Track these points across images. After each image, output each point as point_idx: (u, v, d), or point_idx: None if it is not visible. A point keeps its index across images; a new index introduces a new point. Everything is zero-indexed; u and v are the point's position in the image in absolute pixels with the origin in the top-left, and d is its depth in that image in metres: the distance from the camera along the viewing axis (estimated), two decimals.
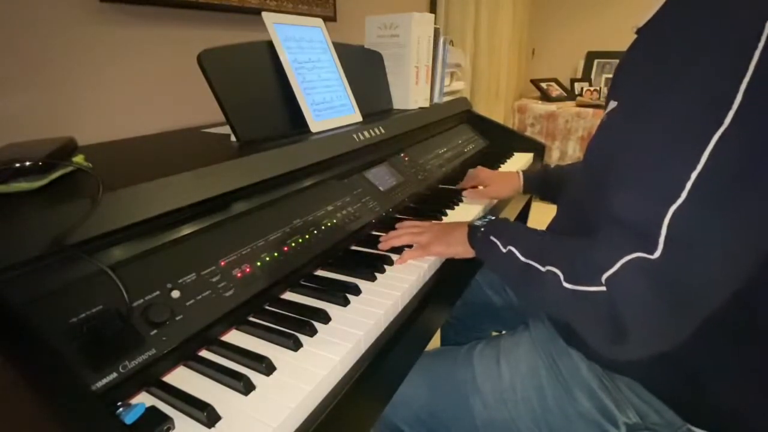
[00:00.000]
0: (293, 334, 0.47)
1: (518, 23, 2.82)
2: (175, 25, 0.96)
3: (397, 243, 0.67)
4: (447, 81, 1.36)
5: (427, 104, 1.18)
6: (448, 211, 0.85)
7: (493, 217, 0.64)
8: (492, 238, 0.57)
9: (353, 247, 0.70)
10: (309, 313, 0.51)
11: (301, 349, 0.46)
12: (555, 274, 0.45)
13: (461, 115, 1.37)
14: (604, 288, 0.40)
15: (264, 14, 0.74)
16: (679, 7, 0.43)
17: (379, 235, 0.74)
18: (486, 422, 0.60)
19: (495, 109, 2.65)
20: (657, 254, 0.37)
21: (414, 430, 0.67)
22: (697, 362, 0.47)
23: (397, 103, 1.13)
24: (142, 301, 0.43)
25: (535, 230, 0.57)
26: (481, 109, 2.26)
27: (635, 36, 0.52)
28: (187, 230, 0.51)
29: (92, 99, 0.84)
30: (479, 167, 1.01)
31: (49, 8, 0.75)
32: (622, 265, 0.38)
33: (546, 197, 0.96)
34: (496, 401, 0.60)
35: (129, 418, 0.35)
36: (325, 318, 0.51)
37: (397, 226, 0.71)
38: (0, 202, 0.43)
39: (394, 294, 0.56)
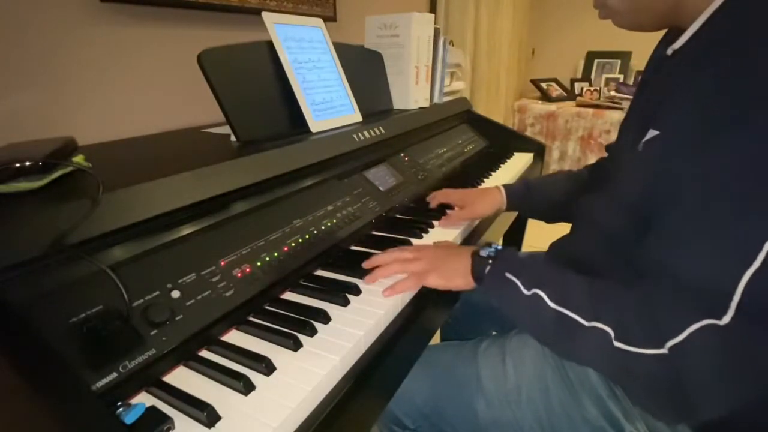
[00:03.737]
0: (293, 334, 0.47)
1: (518, 23, 2.82)
2: (175, 25, 0.96)
3: (385, 275, 0.58)
4: (447, 81, 1.36)
5: (427, 104, 1.18)
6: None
7: (500, 246, 0.56)
8: (509, 276, 0.50)
9: (353, 247, 0.70)
10: (309, 313, 0.51)
11: (301, 349, 0.46)
12: (604, 332, 0.41)
13: (461, 115, 1.37)
14: (664, 351, 0.37)
15: (264, 14, 0.74)
16: (742, 36, 0.40)
17: (380, 236, 0.74)
18: (489, 421, 0.60)
19: (495, 109, 2.65)
20: (727, 319, 0.34)
21: (417, 424, 0.66)
22: None
23: (397, 103, 1.13)
24: (142, 301, 0.43)
25: (558, 269, 0.51)
26: (481, 109, 2.27)
27: (668, 56, 0.50)
28: (187, 230, 0.51)
29: (92, 99, 0.84)
30: (445, 189, 0.87)
31: (49, 8, 0.75)
32: (691, 334, 0.36)
33: (531, 214, 0.89)
34: (500, 401, 0.59)
35: (129, 418, 0.35)
36: (325, 318, 0.51)
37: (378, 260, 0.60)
38: (0, 202, 0.43)
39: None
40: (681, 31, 0.48)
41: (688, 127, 0.42)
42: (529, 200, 0.85)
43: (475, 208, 0.81)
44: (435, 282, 0.57)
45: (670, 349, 0.37)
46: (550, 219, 0.87)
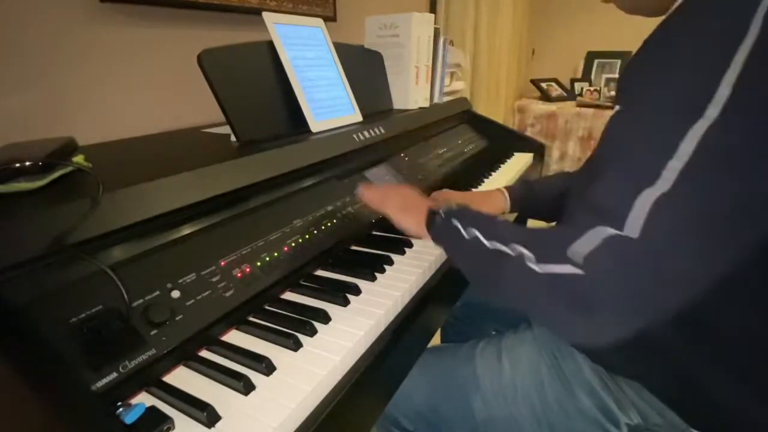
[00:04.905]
0: (293, 334, 0.47)
1: (518, 23, 2.82)
2: (175, 25, 0.96)
3: (366, 194, 0.65)
4: (447, 81, 1.36)
5: (427, 104, 1.18)
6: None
7: (458, 206, 0.58)
8: (453, 221, 0.52)
9: (353, 247, 0.70)
10: (309, 313, 0.51)
11: (301, 349, 0.46)
12: (522, 255, 0.42)
13: (461, 115, 1.37)
14: (573, 269, 0.38)
15: (264, 14, 0.74)
16: (676, 14, 0.43)
17: (380, 235, 0.74)
18: (486, 419, 0.60)
19: (495, 109, 2.65)
20: (634, 235, 0.36)
21: (415, 425, 0.67)
22: (693, 364, 0.47)
23: (397, 103, 1.13)
24: (142, 301, 0.43)
25: (503, 218, 0.54)
26: (481, 109, 2.27)
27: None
28: (187, 230, 0.51)
29: (92, 99, 0.84)
30: (446, 190, 0.86)
31: (49, 8, 0.75)
32: (600, 244, 0.37)
33: (534, 215, 0.88)
34: (496, 397, 0.60)
35: (129, 418, 0.35)
36: (325, 318, 0.51)
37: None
38: (0, 202, 0.43)
39: (394, 294, 0.56)
40: None
41: (630, 96, 0.45)
42: (532, 201, 0.85)
43: None
44: (392, 213, 0.62)
45: (582, 259, 0.37)
46: (551, 219, 0.87)
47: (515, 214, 1.06)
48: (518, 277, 0.42)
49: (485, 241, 0.47)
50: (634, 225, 0.36)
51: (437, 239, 0.56)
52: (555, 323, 0.45)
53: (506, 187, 0.86)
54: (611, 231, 0.37)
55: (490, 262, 0.46)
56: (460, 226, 0.51)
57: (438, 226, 0.55)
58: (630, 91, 0.45)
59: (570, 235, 0.39)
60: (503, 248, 0.45)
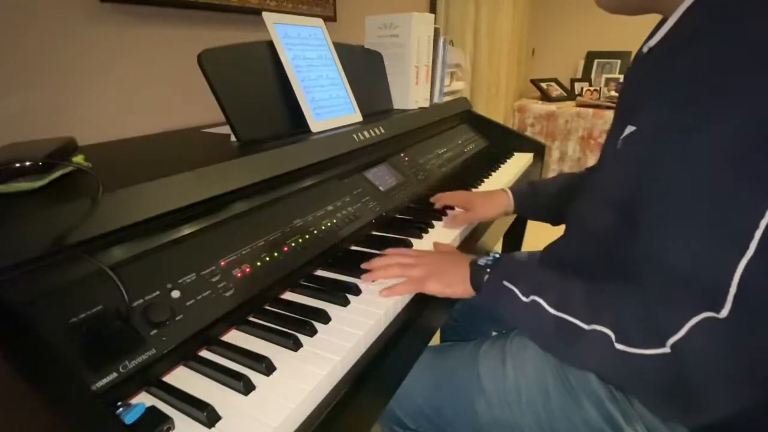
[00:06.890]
0: (293, 334, 0.47)
1: (518, 23, 2.82)
2: (175, 25, 0.96)
3: (383, 277, 0.59)
4: (447, 81, 1.36)
5: (427, 104, 1.18)
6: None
7: (498, 254, 0.57)
8: (507, 284, 0.50)
9: (353, 247, 0.70)
10: (309, 313, 0.51)
11: (301, 349, 0.46)
12: (604, 334, 0.41)
13: (461, 115, 1.37)
14: (666, 350, 0.37)
15: (264, 14, 0.74)
16: (716, 33, 0.39)
17: (380, 236, 0.74)
18: (490, 422, 0.60)
19: (495, 109, 2.66)
20: (725, 313, 0.34)
21: (417, 424, 0.67)
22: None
23: (397, 103, 1.13)
24: (142, 301, 0.43)
25: (553, 273, 0.51)
26: (481, 109, 2.27)
27: (645, 53, 0.49)
28: (187, 230, 0.51)
29: (92, 99, 0.84)
30: (448, 193, 0.87)
31: (49, 8, 0.75)
32: (691, 329, 0.35)
33: (537, 217, 0.88)
34: (500, 402, 0.59)
35: (129, 418, 0.35)
36: (325, 318, 0.51)
37: (381, 258, 0.61)
38: (0, 202, 0.43)
39: None
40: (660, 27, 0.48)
41: (665, 120, 0.42)
42: (536, 203, 0.85)
43: (481, 211, 0.82)
44: (434, 288, 0.57)
45: (672, 347, 0.37)
46: (556, 221, 0.86)
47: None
48: (599, 354, 0.42)
49: (548, 308, 0.46)
50: (728, 302, 0.34)
51: (487, 300, 0.54)
52: (649, 400, 0.45)
53: (511, 189, 0.86)
54: (706, 314, 0.35)
55: (557, 331, 0.45)
56: (515, 290, 0.49)
57: (487, 287, 0.53)
58: (673, 115, 0.40)
59: (667, 326, 0.37)
60: (573, 320, 0.44)
